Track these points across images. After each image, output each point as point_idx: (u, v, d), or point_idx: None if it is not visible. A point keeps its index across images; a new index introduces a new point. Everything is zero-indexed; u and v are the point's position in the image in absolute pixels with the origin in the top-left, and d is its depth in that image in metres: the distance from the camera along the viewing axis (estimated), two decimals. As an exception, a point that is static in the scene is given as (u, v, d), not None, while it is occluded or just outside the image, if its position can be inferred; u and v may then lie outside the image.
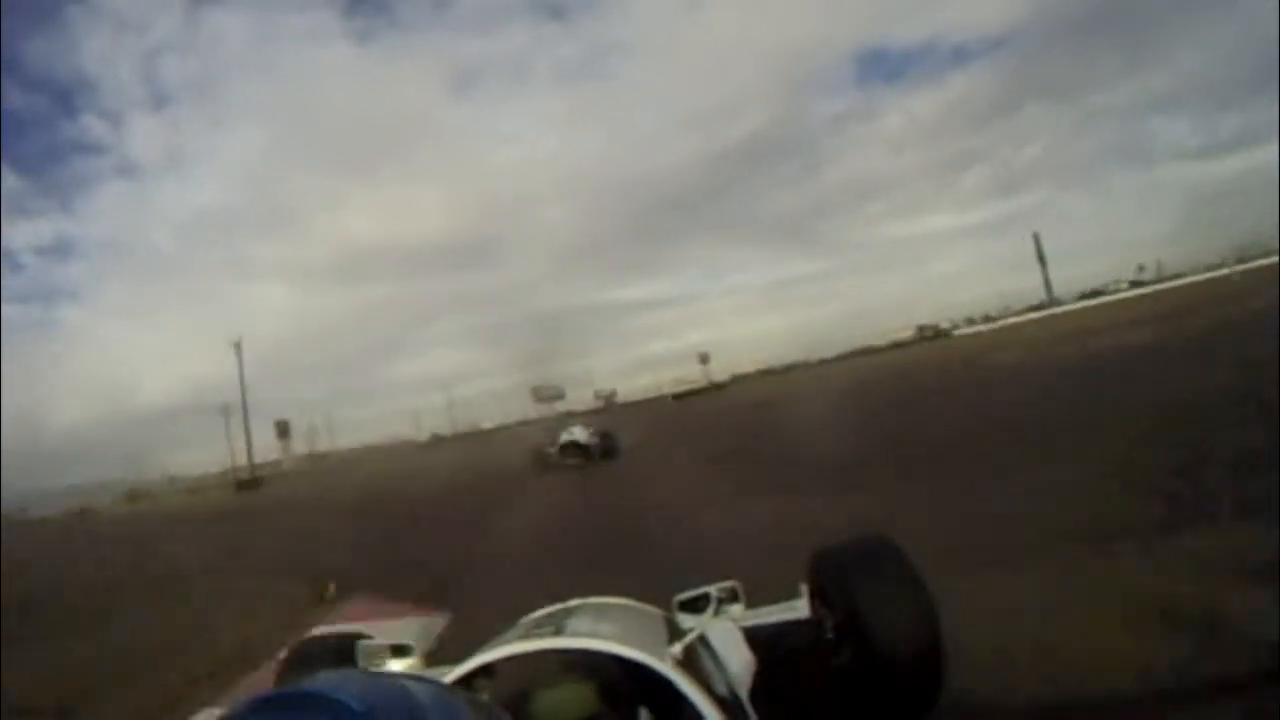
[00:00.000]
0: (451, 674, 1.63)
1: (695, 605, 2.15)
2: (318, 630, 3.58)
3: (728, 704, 1.59)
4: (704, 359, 74.47)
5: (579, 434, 18.76)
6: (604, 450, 18.04)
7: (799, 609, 2.53)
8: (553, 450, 18.44)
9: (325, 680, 0.65)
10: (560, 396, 55.18)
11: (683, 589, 2.19)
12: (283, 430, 71.26)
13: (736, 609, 2.21)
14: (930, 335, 65.90)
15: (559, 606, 2.10)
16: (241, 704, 0.64)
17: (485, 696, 1.60)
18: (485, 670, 1.64)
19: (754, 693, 1.83)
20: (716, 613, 2.14)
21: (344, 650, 2.17)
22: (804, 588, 2.56)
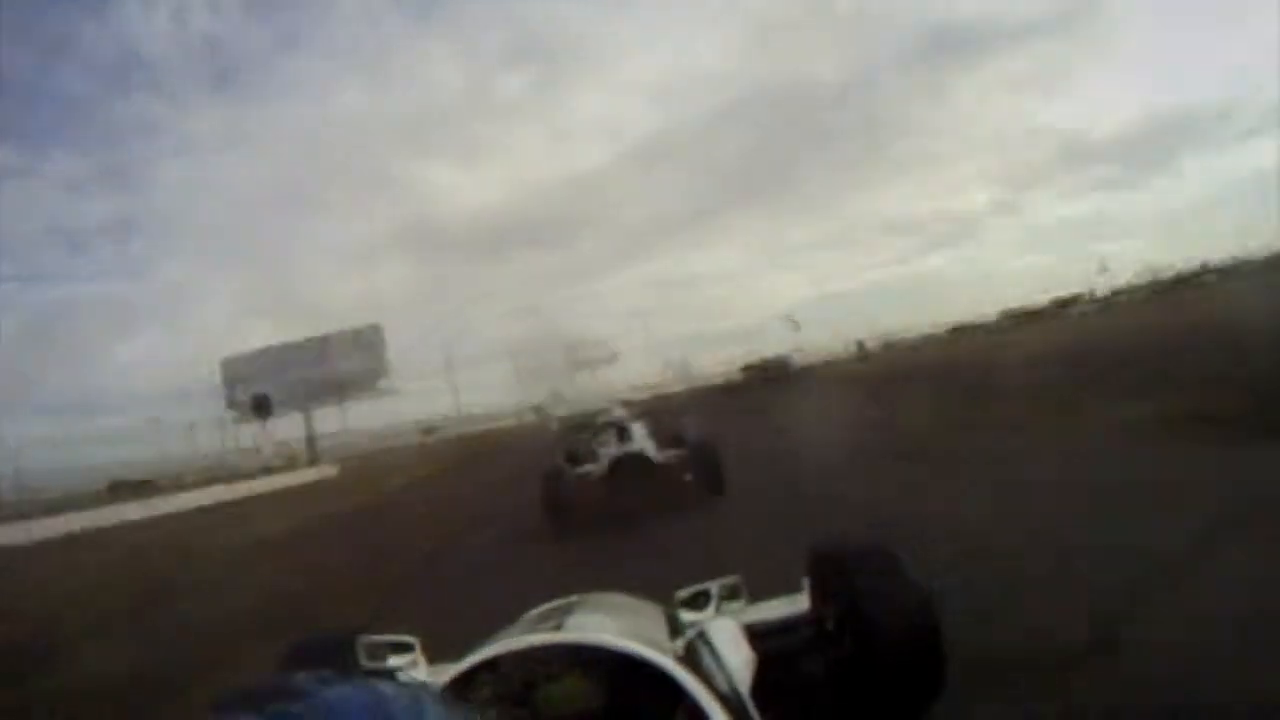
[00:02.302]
0: (453, 670, 1.64)
1: (696, 602, 2.16)
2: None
3: (728, 700, 1.59)
4: (794, 325, 66.70)
5: (641, 441, 8.82)
6: (704, 472, 8.02)
7: (801, 605, 2.54)
8: (586, 470, 8.76)
9: (299, 680, 0.67)
10: (611, 359, 47.32)
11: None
12: (260, 406, 50.06)
13: (737, 605, 2.21)
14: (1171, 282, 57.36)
15: (561, 601, 2.11)
16: (222, 699, 0.65)
17: (486, 691, 1.61)
18: (487, 666, 1.64)
19: (754, 689, 1.84)
20: (718, 609, 2.15)
21: (344, 647, 2.18)
22: (806, 582, 2.57)
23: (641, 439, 8.94)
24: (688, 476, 8.00)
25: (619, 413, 11.24)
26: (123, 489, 40.08)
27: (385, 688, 0.70)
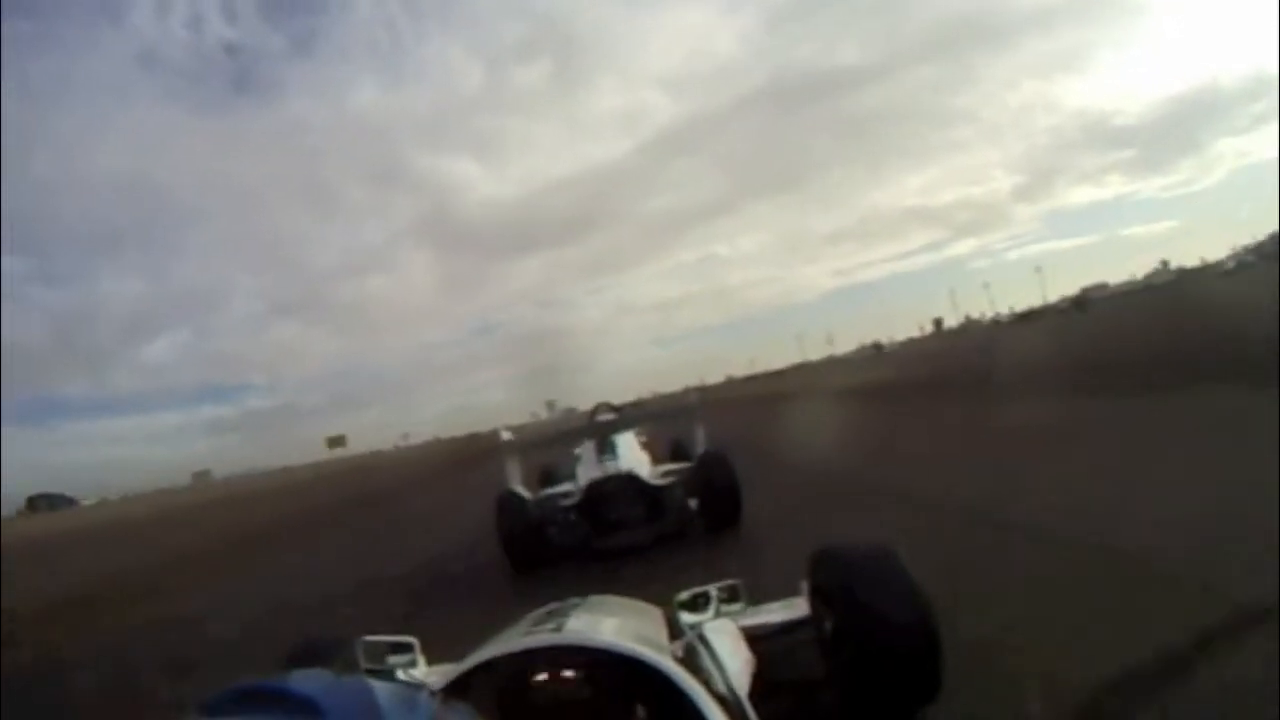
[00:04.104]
0: (452, 670, 1.65)
1: (695, 604, 2.17)
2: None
3: (727, 703, 1.60)
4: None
5: (629, 456, 6.56)
6: (714, 495, 5.92)
7: (799, 608, 2.54)
8: (558, 493, 6.57)
9: (294, 678, 0.67)
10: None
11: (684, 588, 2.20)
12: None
13: (736, 608, 2.22)
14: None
15: (560, 603, 2.12)
16: (216, 697, 0.65)
17: (485, 692, 1.62)
18: (486, 667, 1.64)
19: (753, 691, 1.84)
20: (716, 612, 2.16)
21: (342, 648, 2.18)
22: (804, 585, 2.57)
23: (630, 453, 6.74)
24: (693, 501, 6.09)
25: (604, 417, 7.96)
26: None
27: (378, 686, 0.70)
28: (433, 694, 0.93)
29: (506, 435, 6.87)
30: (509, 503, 6.06)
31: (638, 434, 7.57)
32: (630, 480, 6.09)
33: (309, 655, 2.39)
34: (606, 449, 6.63)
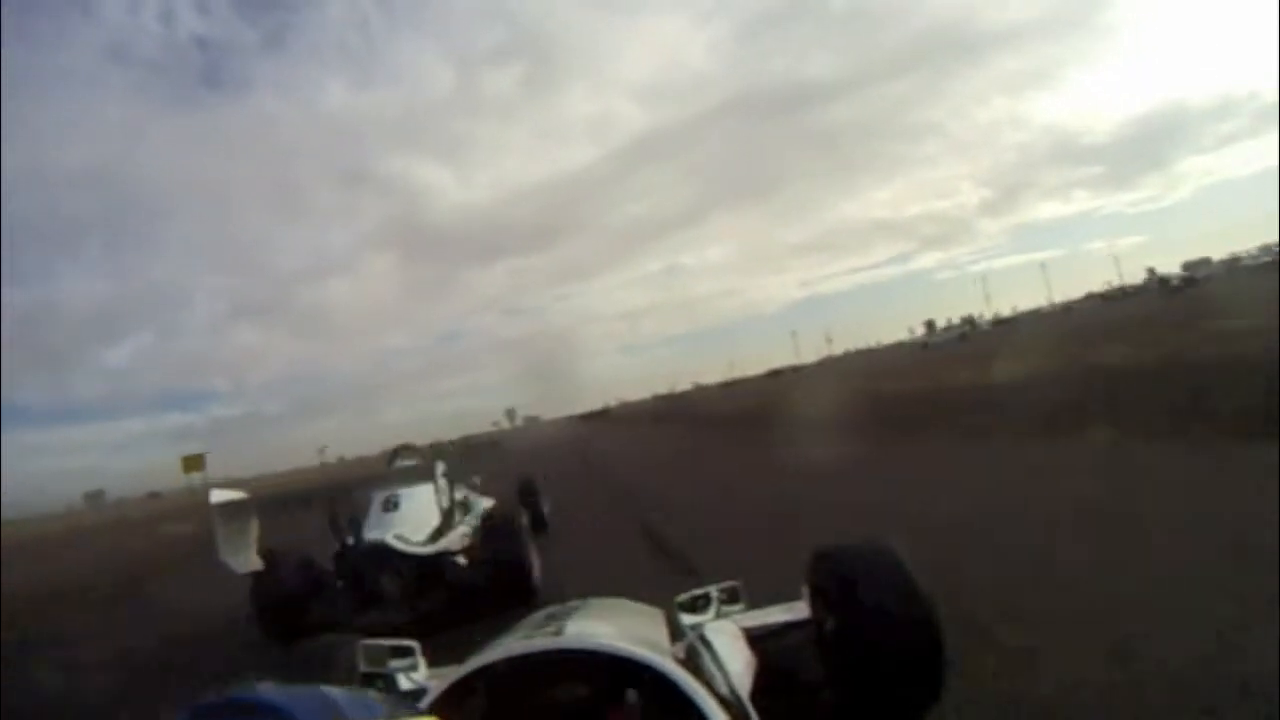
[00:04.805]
0: (453, 674, 1.64)
1: (695, 605, 2.17)
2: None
3: (729, 704, 1.59)
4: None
5: (408, 516, 5.52)
6: (505, 569, 5.13)
7: (800, 610, 2.53)
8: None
9: (253, 689, 0.68)
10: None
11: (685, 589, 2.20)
12: None
13: (737, 609, 2.22)
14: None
15: (561, 606, 2.11)
16: (184, 711, 0.65)
17: (486, 696, 1.61)
18: (487, 671, 1.63)
19: (754, 693, 1.83)
20: (717, 613, 2.16)
21: (342, 649, 2.16)
22: (805, 589, 2.55)
23: (410, 511, 5.61)
24: (489, 574, 5.21)
25: (404, 463, 6.85)
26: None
27: (332, 691, 0.71)
28: (395, 701, 0.95)
29: (220, 495, 4.38)
30: (260, 577, 4.92)
31: (469, 482, 6.78)
32: (382, 550, 5.14)
33: (301, 659, 2.34)
34: (387, 506, 5.64)
